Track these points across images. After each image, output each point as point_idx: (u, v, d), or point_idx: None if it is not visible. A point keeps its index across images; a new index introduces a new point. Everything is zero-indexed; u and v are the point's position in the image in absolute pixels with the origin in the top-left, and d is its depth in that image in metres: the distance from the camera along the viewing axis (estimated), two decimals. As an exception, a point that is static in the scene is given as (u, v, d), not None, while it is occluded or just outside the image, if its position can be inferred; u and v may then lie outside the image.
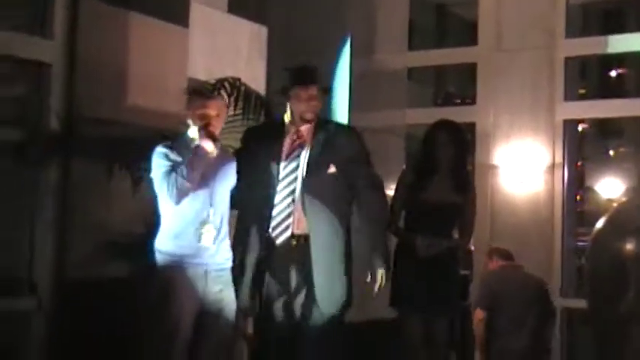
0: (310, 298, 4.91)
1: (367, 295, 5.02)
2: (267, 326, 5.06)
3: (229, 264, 4.94)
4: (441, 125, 5.87)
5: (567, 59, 8.50)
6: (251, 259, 5.00)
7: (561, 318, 8.18)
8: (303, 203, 4.93)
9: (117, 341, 5.72)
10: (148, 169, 4.91)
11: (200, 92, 5.23)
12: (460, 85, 10.88)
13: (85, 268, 6.04)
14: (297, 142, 5.04)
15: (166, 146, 4.87)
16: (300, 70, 5.10)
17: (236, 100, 6.40)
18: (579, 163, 9.45)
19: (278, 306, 4.99)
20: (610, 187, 11.02)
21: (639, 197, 8.45)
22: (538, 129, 8.44)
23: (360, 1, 7.60)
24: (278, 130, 5.10)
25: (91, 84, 6.33)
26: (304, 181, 4.95)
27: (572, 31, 8.59)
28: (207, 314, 4.88)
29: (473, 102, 9.02)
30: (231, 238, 4.99)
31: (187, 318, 4.82)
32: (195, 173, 4.78)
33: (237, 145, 5.72)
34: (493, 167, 8.58)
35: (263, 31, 7.74)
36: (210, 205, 4.91)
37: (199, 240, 4.84)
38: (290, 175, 4.98)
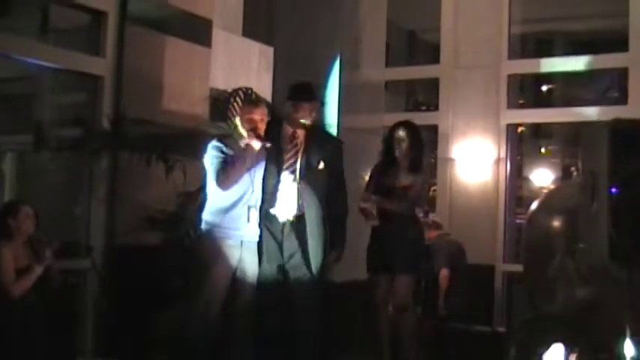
0: (302, 261, 5.01)
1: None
2: (264, 282, 5.08)
3: (257, 238, 5.03)
4: (396, 125, 5.90)
5: (509, 76, 8.55)
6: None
7: (502, 279, 8.27)
8: (299, 189, 5.02)
9: (154, 295, 5.71)
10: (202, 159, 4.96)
11: (250, 100, 5.27)
12: (426, 94, 10.82)
13: (129, 237, 5.96)
14: (295, 142, 5.10)
15: (220, 142, 4.95)
16: (302, 88, 5.15)
17: (249, 107, 6.43)
18: (519, 158, 9.49)
19: (274, 266, 5.08)
20: (541, 177, 11.07)
21: (565, 186, 8.46)
22: (487, 130, 8.48)
23: (348, 27, 7.61)
24: (276, 130, 5.11)
25: (134, 92, 6.32)
26: (302, 173, 5.03)
27: (513, 54, 8.64)
28: (239, 277, 4.99)
29: (436, 108, 9.06)
30: None
31: (227, 278, 4.93)
32: (244, 167, 4.89)
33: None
34: (451, 160, 8.61)
35: (270, 50, 7.72)
36: (252, 189, 5.03)
37: (248, 220, 4.94)
38: (290, 168, 5.06)
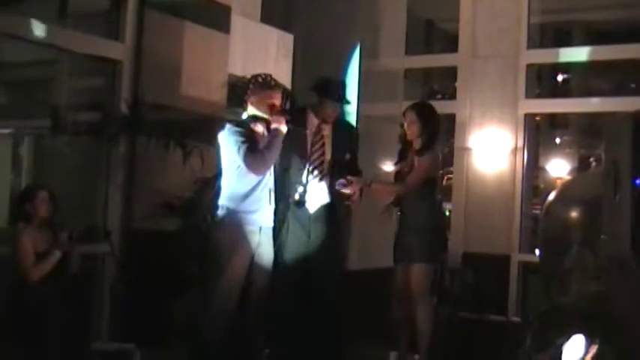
0: (328, 248, 5.11)
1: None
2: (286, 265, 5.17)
3: (272, 223, 5.05)
4: (407, 108, 5.81)
5: (528, 65, 8.47)
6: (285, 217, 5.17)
7: (518, 268, 8.24)
8: (326, 180, 5.18)
9: (171, 280, 5.74)
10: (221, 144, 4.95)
11: (269, 85, 5.21)
12: (441, 83, 10.81)
13: (146, 221, 6.03)
14: (321, 134, 5.23)
15: (238, 126, 4.93)
16: (333, 86, 5.30)
17: (267, 92, 6.40)
18: (535, 148, 9.39)
19: (300, 253, 5.16)
20: (556, 168, 11.02)
21: (583, 176, 8.41)
22: (504, 120, 8.41)
23: (368, 16, 7.59)
24: (300, 120, 5.19)
25: (153, 77, 6.32)
26: (330, 164, 5.20)
27: (532, 44, 8.57)
28: (257, 263, 4.98)
29: (453, 97, 9.01)
30: None
31: (246, 264, 4.92)
32: (278, 150, 4.87)
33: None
34: (468, 150, 8.57)
35: (288, 37, 7.68)
36: (270, 172, 5.01)
37: (269, 202, 4.94)
38: (318, 160, 5.18)
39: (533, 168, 9.14)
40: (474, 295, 7.61)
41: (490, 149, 8.45)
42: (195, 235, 5.76)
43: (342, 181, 5.19)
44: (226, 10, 7.00)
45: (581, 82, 10.73)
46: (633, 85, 10.22)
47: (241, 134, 4.88)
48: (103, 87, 6.44)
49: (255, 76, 6.26)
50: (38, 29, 5.78)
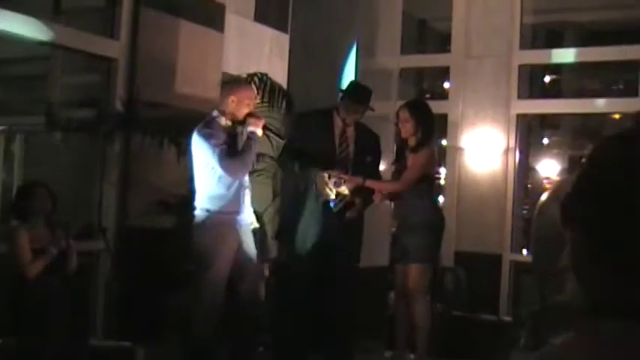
0: (344, 245, 5.30)
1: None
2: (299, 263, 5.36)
3: (250, 220, 5.11)
4: (400, 106, 5.88)
5: (520, 66, 8.49)
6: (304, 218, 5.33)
7: (509, 268, 8.26)
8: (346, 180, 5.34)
9: (166, 277, 5.77)
10: (190, 147, 5.00)
11: (243, 83, 5.28)
12: (430, 82, 10.81)
13: (140, 219, 6.05)
14: (345, 136, 5.41)
15: (210, 130, 4.93)
16: (364, 92, 5.48)
17: (263, 92, 6.42)
18: (526, 148, 9.40)
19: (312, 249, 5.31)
20: (544, 168, 11.06)
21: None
22: (496, 120, 8.41)
23: (365, 16, 7.57)
24: (328, 121, 5.42)
25: (148, 75, 6.31)
26: (354, 165, 5.36)
27: (524, 44, 8.60)
28: (239, 259, 5.02)
29: (446, 97, 9.02)
30: None
31: (229, 262, 4.96)
32: (252, 154, 4.90)
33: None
34: (460, 149, 8.58)
35: (283, 37, 7.67)
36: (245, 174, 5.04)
37: (243, 201, 4.96)
38: (342, 162, 5.35)
39: (525, 168, 9.16)
40: (465, 294, 7.63)
41: (482, 149, 8.45)
42: (190, 232, 5.77)
43: (334, 179, 5.22)
44: (221, 9, 7.01)
45: (575, 83, 10.78)
46: (621, 86, 10.26)
47: (215, 137, 4.87)
48: (98, 84, 6.43)
49: (251, 75, 6.31)
50: (32, 26, 5.76)
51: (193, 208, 5.08)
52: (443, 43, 9.57)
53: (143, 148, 6.09)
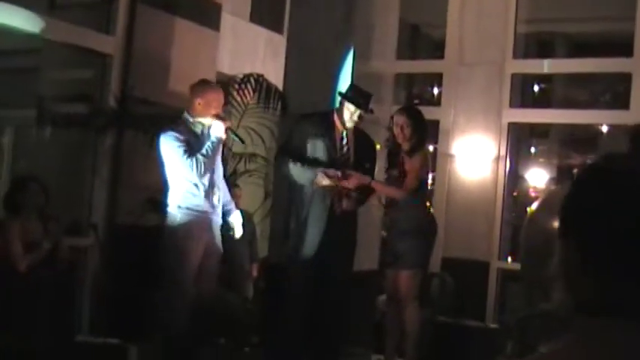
0: (344, 247, 5.35)
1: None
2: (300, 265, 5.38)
3: (220, 220, 5.16)
4: (395, 112, 5.89)
5: (513, 75, 8.51)
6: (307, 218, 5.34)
7: (496, 275, 8.27)
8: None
9: (151, 268, 5.65)
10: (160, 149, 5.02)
11: (211, 86, 5.32)
12: (419, 88, 10.80)
13: (130, 215, 6.05)
14: (345, 140, 5.45)
15: (176, 131, 4.99)
16: (365, 97, 5.50)
17: (259, 93, 6.43)
18: (517, 157, 9.43)
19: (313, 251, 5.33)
20: (532, 177, 11.09)
21: (566, 186, 8.44)
22: (488, 128, 8.43)
23: (360, 21, 7.59)
24: (328, 124, 5.44)
25: (142, 72, 6.33)
26: (353, 169, 5.39)
27: (518, 53, 8.63)
28: (208, 253, 5.08)
29: (438, 104, 9.00)
30: None
31: (199, 254, 4.99)
32: (214, 155, 4.95)
33: (259, 128, 5.82)
34: (451, 156, 8.58)
35: (278, 38, 7.72)
36: (215, 173, 5.07)
37: (212, 200, 5.01)
38: (343, 165, 5.37)
39: (515, 176, 9.19)
40: (452, 299, 7.65)
41: (473, 156, 8.45)
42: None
43: (336, 173, 5.27)
44: (217, 8, 7.03)
45: (563, 93, 10.81)
46: (608, 98, 10.32)
47: (178, 139, 4.95)
48: (92, 79, 6.45)
49: (247, 76, 6.33)
50: (27, 19, 5.75)
51: (166, 206, 5.10)
52: (436, 50, 9.56)
53: (135, 144, 6.08)
